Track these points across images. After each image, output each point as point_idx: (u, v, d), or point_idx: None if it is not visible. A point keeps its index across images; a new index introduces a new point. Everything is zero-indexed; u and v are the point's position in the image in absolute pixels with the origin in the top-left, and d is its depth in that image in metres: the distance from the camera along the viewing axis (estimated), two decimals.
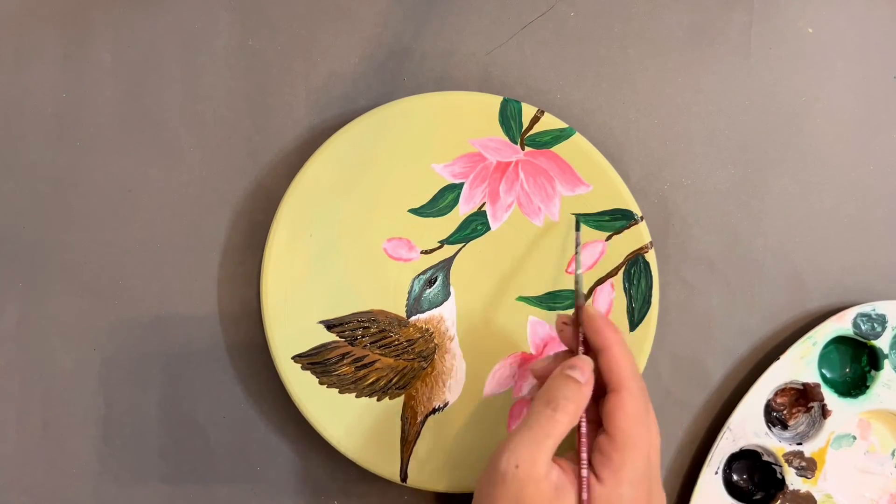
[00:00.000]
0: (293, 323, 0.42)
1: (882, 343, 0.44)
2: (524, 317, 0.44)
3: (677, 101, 0.46)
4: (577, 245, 0.42)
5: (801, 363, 0.44)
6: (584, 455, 0.35)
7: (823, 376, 0.45)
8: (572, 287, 0.44)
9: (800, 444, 0.44)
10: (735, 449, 0.44)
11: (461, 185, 0.43)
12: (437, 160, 0.43)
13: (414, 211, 0.43)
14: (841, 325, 0.44)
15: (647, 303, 0.43)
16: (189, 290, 0.45)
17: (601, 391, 0.37)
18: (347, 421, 0.42)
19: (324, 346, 0.43)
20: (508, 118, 0.43)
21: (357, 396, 0.43)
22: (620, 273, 0.43)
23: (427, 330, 0.44)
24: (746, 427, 0.44)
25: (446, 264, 0.44)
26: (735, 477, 0.45)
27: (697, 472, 0.44)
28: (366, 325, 0.43)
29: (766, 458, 0.45)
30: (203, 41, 0.45)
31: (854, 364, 0.45)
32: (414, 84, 0.45)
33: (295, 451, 0.44)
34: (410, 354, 0.43)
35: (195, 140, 0.45)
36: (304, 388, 0.42)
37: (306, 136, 0.44)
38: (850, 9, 0.46)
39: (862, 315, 0.44)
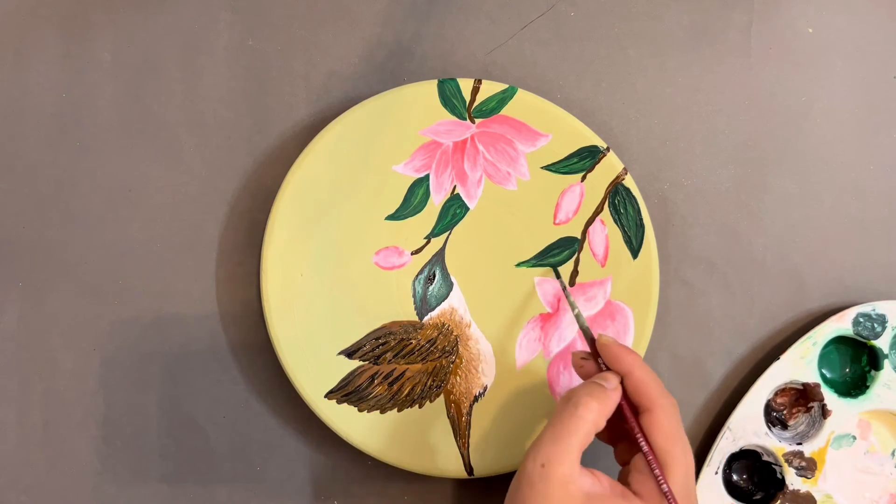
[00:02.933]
0: (314, 361, 0.43)
1: (882, 343, 0.44)
2: (529, 280, 0.44)
3: (677, 101, 0.46)
4: (564, 288, 0.43)
5: (801, 363, 0.44)
6: (657, 472, 0.34)
7: (823, 376, 0.45)
8: (562, 235, 0.44)
9: (800, 444, 0.44)
10: (735, 449, 0.44)
11: (426, 177, 0.43)
12: (395, 161, 0.43)
13: (391, 217, 0.44)
14: (841, 325, 0.44)
15: (640, 227, 0.43)
16: (189, 290, 0.45)
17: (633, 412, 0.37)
18: (398, 437, 0.43)
19: (351, 374, 0.43)
20: (450, 97, 0.43)
21: (399, 411, 0.43)
22: (606, 207, 0.43)
23: (443, 325, 0.44)
24: (746, 427, 0.44)
25: (439, 257, 0.44)
26: (735, 477, 0.45)
27: (698, 472, 0.44)
28: (383, 341, 0.43)
29: (766, 458, 0.45)
30: (203, 41, 0.45)
31: (854, 364, 0.45)
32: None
33: (295, 452, 0.44)
34: (436, 353, 0.43)
35: (195, 140, 0.45)
36: (347, 422, 0.42)
37: (306, 136, 0.44)
38: (850, 9, 0.46)
39: (862, 315, 0.44)
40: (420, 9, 0.45)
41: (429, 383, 0.43)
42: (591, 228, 0.44)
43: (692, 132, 0.46)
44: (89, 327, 0.45)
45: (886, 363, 0.44)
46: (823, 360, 0.45)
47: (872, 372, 0.45)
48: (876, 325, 0.44)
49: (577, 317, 0.40)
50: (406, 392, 0.43)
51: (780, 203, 0.46)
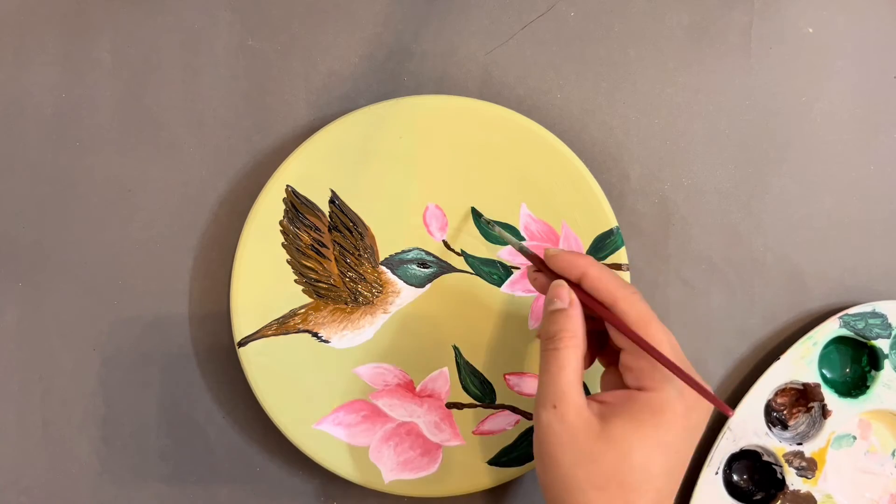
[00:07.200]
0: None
1: (882, 343, 0.44)
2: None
3: (677, 101, 0.46)
4: (497, 229, 0.42)
5: (801, 363, 0.44)
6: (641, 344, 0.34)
7: (823, 376, 0.45)
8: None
9: (800, 444, 0.44)
10: (735, 449, 0.44)
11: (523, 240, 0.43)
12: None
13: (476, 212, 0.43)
14: (841, 325, 0.44)
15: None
16: (189, 290, 0.45)
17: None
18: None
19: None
20: (605, 243, 0.43)
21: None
22: None
23: (380, 284, 0.43)
24: (747, 427, 0.44)
25: (446, 268, 0.43)
26: (735, 477, 0.45)
27: (697, 472, 0.44)
28: (358, 232, 0.43)
29: (766, 458, 0.45)
30: (203, 41, 0.45)
31: (854, 364, 0.45)
32: (414, 84, 0.45)
33: (295, 452, 0.44)
34: (354, 282, 0.43)
35: (195, 140, 0.45)
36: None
37: (306, 136, 0.44)
38: (850, 9, 0.46)
39: (862, 315, 0.44)
40: (420, 9, 0.45)
41: (323, 284, 0.43)
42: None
43: (692, 132, 0.46)
44: (89, 327, 0.45)
45: (886, 363, 0.44)
46: (824, 360, 0.45)
47: (873, 372, 0.45)
48: (876, 326, 0.44)
49: (521, 249, 0.39)
50: (311, 269, 0.43)
51: (780, 203, 0.46)
